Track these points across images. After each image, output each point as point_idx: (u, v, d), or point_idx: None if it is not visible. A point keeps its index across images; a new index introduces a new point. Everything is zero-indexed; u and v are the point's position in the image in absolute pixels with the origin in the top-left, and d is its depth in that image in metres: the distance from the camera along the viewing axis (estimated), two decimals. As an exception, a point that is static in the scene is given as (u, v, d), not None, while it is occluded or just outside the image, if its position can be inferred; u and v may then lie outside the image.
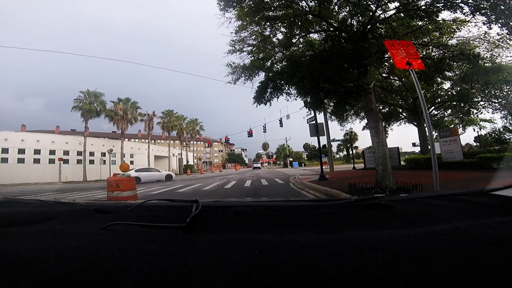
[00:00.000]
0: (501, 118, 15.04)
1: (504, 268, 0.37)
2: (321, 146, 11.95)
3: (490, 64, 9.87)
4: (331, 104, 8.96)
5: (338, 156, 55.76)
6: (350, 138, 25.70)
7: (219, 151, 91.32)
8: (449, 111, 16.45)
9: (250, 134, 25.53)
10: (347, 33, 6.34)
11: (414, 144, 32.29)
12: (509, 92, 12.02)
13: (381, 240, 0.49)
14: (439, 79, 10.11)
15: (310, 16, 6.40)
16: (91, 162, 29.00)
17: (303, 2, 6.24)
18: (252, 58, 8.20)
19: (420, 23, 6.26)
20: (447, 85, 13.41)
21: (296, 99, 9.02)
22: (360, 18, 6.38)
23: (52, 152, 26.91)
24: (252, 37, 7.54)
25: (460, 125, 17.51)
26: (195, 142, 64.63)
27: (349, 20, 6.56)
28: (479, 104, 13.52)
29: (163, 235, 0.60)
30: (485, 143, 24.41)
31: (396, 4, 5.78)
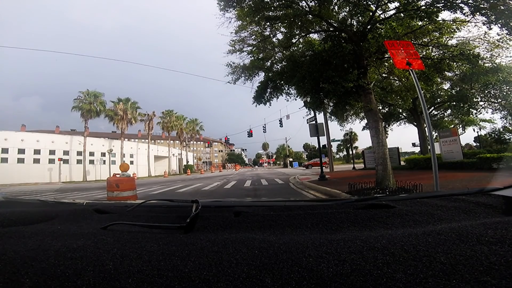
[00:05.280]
0: (500, 118, 15.12)
1: (504, 268, 0.37)
2: (321, 146, 11.95)
3: (490, 64, 9.85)
4: (331, 104, 8.97)
5: (338, 156, 55.77)
6: (350, 138, 25.66)
7: (219, 151, 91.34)
8: (449, 111, 16.46)
9: (250, 134, 25.55)
10: (347, 33, 6.34)
11: (414, 144, 32.32)
12: (509, 92, 12.02)
13: (381, 240, 0.49)
14: (439, 79, 10.11)
15: (310, 16, 6.40)
16: (91, 162, 28.99)
17: (303, 2, 6.25)
18: (252, 58, 8.21)
19: (420, 23, 6.26)
20: (447, 85, 13.41)
21: (296, 99, 9.05)
22: (360, 18, 6.39)
23: (52, 152, 26.88)
24: (252, 37, 7.55)
25: (460, 125, 17.51)
26: (195, 142, 64.63)
27: (349, 20, 6.56)
28: (478, 104, 13.52)
29: (163, 235, 0.60)
30: (485, 143, 24.39)
31: (396, 4, 5.79)
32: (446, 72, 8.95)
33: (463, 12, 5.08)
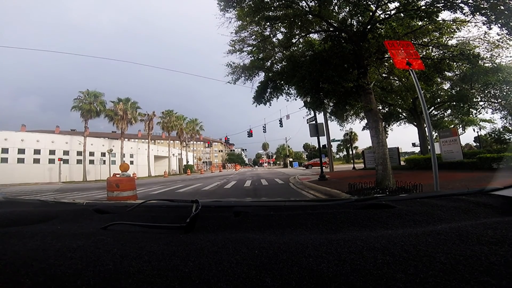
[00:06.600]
0: (500, 118, 15.07)
1: (504, 268, 0.37)
2: (321, 146, 11.95)
3: (490, 64, 9.85)
4: (331, 104, 8.97)
5: (338, 156, 55.79)
6: (350, 138, 25.61)
7: (219, 151, 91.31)
8: (449, 111, 16.44)
9: (250, 134, 25.53)
10: (347, 33, 6.34)
11: (414, 144, 32.30)
12: (509, 92, 12.01)
13: (381, 240, 0.49)
14: (439, 79, 10.11)
15: (310, 16, 6.40)
16: (91, 162, 28.99)
17: (303, 2, 6.24)
18: (252, 58, 8.22)
19: (420, 23, 6.26)
20: (447, 85, 13.40)
21: (296, 99, 9.06)
22: (360, 18, 6.38)
23: (52, 152, 26.89)
24: (252, 37, 7.55)
25: (460, 125, 17.48)
26: (195, 142, 64.61)
27: (349, 20, 6.56)
28: (478, 105, 13.50)
29: (163, 235, 0.60)
30: (485, 143, 24.39)
31: (396, 4, 5.78)
32: (446, 72, 8.94)
33: (463, 12, 5.08)
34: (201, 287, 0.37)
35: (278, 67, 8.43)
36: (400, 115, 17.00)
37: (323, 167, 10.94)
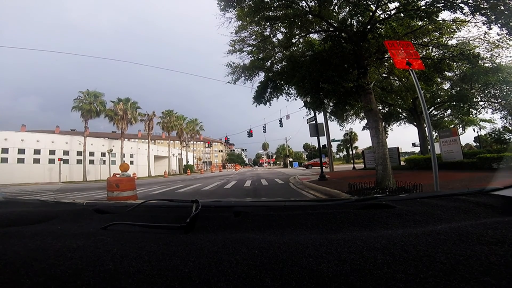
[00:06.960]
0: (500, 118, 15.07)
1: (504, 268, 0.37)
2: (321, 146, 11.94)
3: (490, 64, 9.85)
4: (331, 104, 8.97)
5: (338, 156, 55.80)
6: (350, 138, 25.61)
7: (219, 151, 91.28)
8: (449, 111, 16.44)
9: (250, 134, 25.51)
10: (347, 33, 6.34)
11: (414, 144, 32.30)
12: (509, 92, 12.00)
13: (381, 240, 0.49)
14: (439, 79, 10.11)
15: (310, 16, 6.40)
16: (91, 162, 28.99)
17: (303, 2, 6.25)
18: (252, 58, 8.22)
19: (420, 23, 6.26)
20: (447, 85, 13.40)
21: (296, 99, 9.06)
22: (360, 18, 6.39)
23: (52, 152, 26.89)
24: (252, 37, 7.55)
25: (460, 125, 17.48)
26: (195, 142, 64.54)
27: (349, 20, 6.56)
28: (478, 105, 13.50)
29: (163, 235, 0.60)
30: (485, 143, 24.40)
31: (396, 4, 5.79)
32: (446, 72, 8.94)
33: (463, 12, 5.08)
34: (201, 287, 0.37)
35: (278, 67, 8.44)
36: (400, 115, 17.00)
37: (323, 167, 10.94)
